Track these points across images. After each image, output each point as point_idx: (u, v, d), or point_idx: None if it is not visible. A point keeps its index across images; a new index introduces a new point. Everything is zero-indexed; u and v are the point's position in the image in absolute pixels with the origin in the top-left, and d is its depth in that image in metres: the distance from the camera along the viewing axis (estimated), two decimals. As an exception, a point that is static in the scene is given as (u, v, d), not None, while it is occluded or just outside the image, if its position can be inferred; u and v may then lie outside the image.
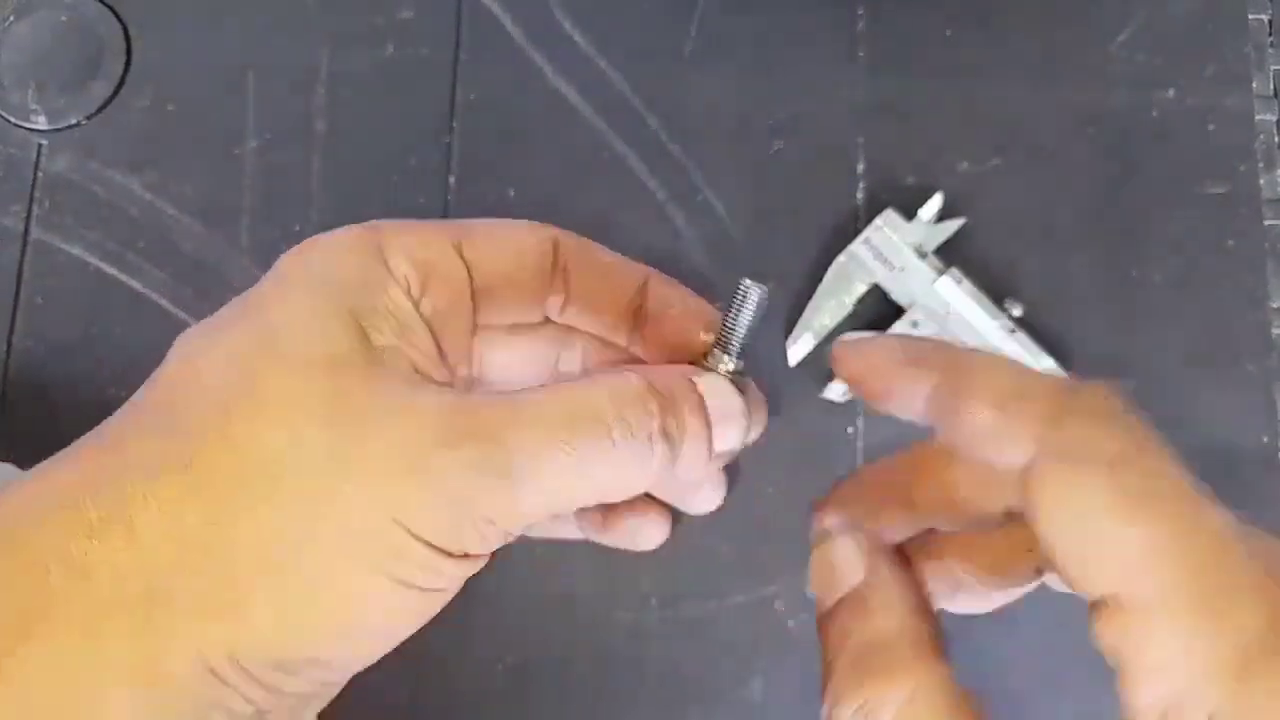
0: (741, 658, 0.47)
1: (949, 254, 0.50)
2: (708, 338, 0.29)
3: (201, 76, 0.53)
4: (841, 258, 0.49)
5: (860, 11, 0.53)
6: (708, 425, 0.26)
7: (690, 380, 0.27)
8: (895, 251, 0.49)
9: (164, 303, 0.50)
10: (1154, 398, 0.49)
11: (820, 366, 0.49)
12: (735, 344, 0.28)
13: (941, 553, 0.27)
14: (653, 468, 0.25)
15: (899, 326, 0.48)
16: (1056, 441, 0.23)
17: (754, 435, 0.28)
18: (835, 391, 0.48)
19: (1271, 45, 0.53)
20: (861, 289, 0.49)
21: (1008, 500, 0.25)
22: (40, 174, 0.52)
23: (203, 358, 0.24)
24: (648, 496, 0.30)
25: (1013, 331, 0.48)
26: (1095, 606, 0.21)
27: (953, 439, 0.24)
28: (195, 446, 0.23)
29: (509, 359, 0.31)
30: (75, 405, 0.49)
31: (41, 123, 0.52)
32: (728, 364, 0.28)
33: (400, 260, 0.26)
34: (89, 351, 0.50)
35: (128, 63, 0.53)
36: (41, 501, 0.23)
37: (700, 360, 0.28)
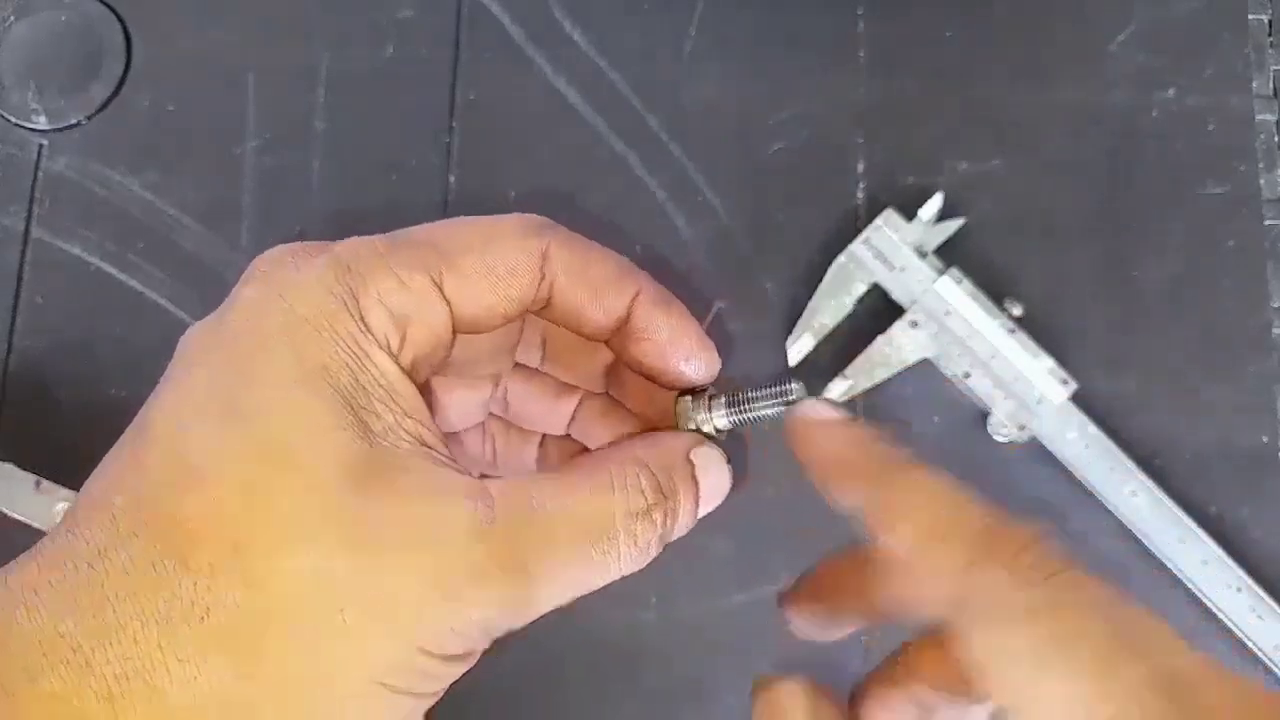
0: (741, 658, 0.47)
1: (949, 254, 0.50)
2: (689, 370, 0.28)
3: (201, 76, 0.53)
4: (841, 258, 0.49)
5: (860, 12, 0.53)
6: (696, 504, 0.27)
7: (690, 462, 0.27)
8: (895, 251, 0.49)
9: (164, 302, 0.50)
10: (1154, 397, 0.49)
11: (820, 366, 0.49)
12: (741, 416, 0.28)
13: (909, 678, 0.27)
14: (644, 563, 0.26)
15: (899, 326, 0.48)
16: (971, 589, 0.23)
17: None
18: (835, 391, 0.48)
19: (1271, 45, 0.53)
20: (861, 289, 0.49)
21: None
22: (40, 174, 0.52)
23: (205, 479, 0.22)
24: None
25: (1012, 331, 0.48)
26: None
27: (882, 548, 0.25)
28: (212, 592, 0.21)
29: (457, 405, 0.31)
30: (75, 405, 0.49)
31: (42, 122, 0.52)
32: (720, 420, 0.28)
33: (378, 314, 0.24)
34: (89, 351, 0.50)
35: (128, 63, 0.53)
36: (45, 655, 0.21)
37: (683, 396, 0.29)
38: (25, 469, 0.46)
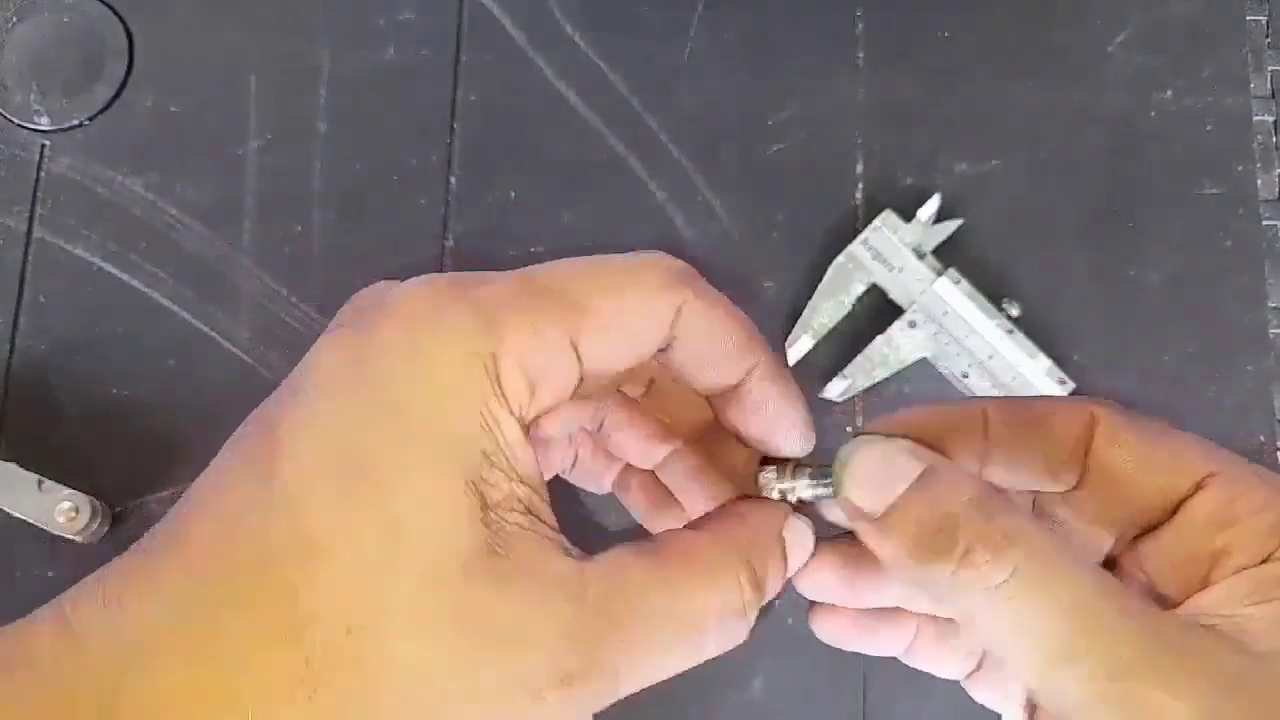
0: (741, 657, 0.47)
1: (947, 254, 0.50)
2: (786, 446, 0.28)
3: (203, 77, 0.53)
4: (840, 258, 0.49)
5: (859, 12, 0.54)
6: (785, 582, 0.27)
7: (781, 540, 0.27)
8: (894, 252, 0.49)
9: (166, 302, 0.50)
10: (1152, 397, 0.49)
11: (819, 366, 0.49)
12: (824, 491, 0.28)
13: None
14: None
15: (897, 326, 0.48)
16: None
17: None
18: (834, 390, 0.48)
19: (1269, 46, 0.53)
20: (860, 289, 0.49)
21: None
22: (43, 174, 0.52)
23: (328, 554, 0.22)
24: None
25: (1010, 331, 0.48)
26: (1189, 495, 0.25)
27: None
28: (321, 672, 0.21)
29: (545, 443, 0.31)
30: (78, 405, 0.49)
31: (44, 123, 0.52)
32: (805, 492, 0.28)
33: (514, 377, 0.24)
34: (91, 351, 0.50)
35: (130, 63, 0.53)
36: (157, 713, 0.21)
37: (767, 462, 0.29)
38: (28, 469, 0.46)
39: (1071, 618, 0.22)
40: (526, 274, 0.25)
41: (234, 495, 0.23)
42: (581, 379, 0.25)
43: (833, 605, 0.30)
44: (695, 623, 0.25)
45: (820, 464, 0.28)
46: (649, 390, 0.32)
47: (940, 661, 0.31)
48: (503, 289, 0.24)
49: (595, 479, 0.34)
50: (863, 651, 0.30)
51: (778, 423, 0.28)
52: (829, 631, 0.30)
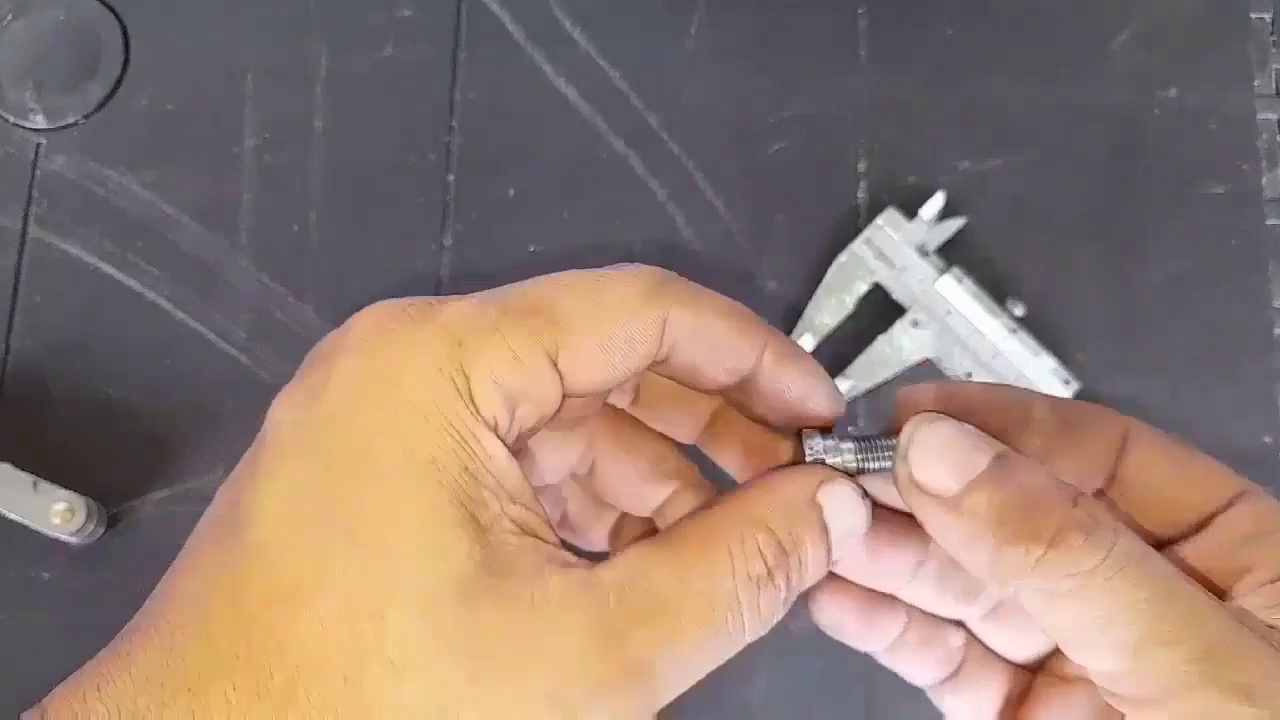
0: (742, 658, 0.47)
1: (950, 253, 0.49)
2: (826, 409, 0.27)
3: (200, 75, 0.53)
4: (842, 257, 0.49)
5: (861, 11, 0.53)
6: (828, 552, 0.25)
7: (816, 505, 0.25)
8: (896, 251, 0.49)
9: (162, 302, 0.50)
10: (1156, 397, 0.49)
11: (821, 365, 0.49)
12: (872, 463, 0.26)
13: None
14: (768, 629, 0.24)
15: (900, 326, 0.48)
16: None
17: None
18: (836, 391, 0.48)
19: (1274, 44, 0.53)
20: (863, 288, 0.49)
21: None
22: (38, 173, 0.52)
23: (309, 597, 0.20)
24: None
25: (1014, 331, 0.48)
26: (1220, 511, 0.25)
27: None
28: None
29: (549, 456, 0.29)
30: (73, 404, 0.49)
31: (40, 122, 0.52)
32: (849, 459, 0.26)
33: (489, 396, 0.22)
34: (87, 351, 0.50)
35: (126, 62, 0.53)
36: None
37: (810, 435, 0.26)
38: (23, 469, 0.46)
39: (1168, 601, 0.22)
40: (496, 293, 0.24)
41: (205, 568, 0.22)
42: (565, 397, 0.24)
43: (842, 584, 0.28)
44: (724, 600, 0.23)
45: (866, 436, 0.26)
46: (637, 398, 0.30)
47: (918, 664, 0.30)
48: (469, 308, 0.23)
49: (585, 533, 0.31)
50: (852, 643, 0.29)
51: (803, 404, 0.26)
52: (832, 614, 0.29)
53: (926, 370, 0.48)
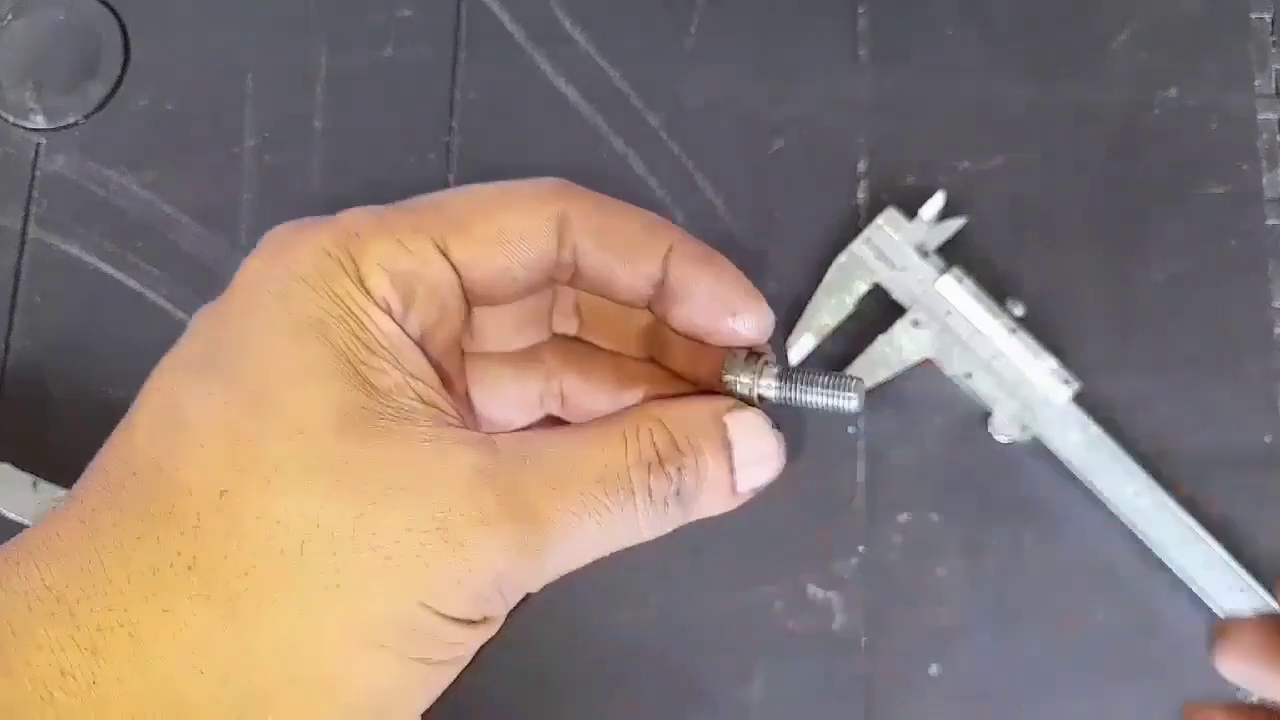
0: (741, 658, 0.47)
1: (950, 253, 0.49)
2: (739, 327, 0.26)
3: (200, 75, 0.53)
4: (842, 257, 0.49)
5: (861, 10, 0.53)
6: (730, 471, 0.25)
7: (721, 423, 0.25)
8: (896, 251, 0.49)
9: (162, 302, 0.50)
10: (1155, 398, 0.49)
11: (818, 365, 0.49)
12: (790, 392, 0.26)
13: None
14: (669, 526, 0.25)
15: (900, 326, 0.48)
16: None
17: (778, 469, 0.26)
18: (836, 391, 0.48)
19: (1274, 44, 0.53)
20: (863, 288, 0.49)
21: None
22: (38, 173, 0.52)
23: (189, 426, 0.22)
24: None
25: (1014, 331, 0.48)
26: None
27: None
28: (198, 542, 0.21)
29: (505, 395, 0.29)
30: (73, 404, 0.49)
31: (40, 122, 0.52)
32: (767, 388, 0.26)
33: (378, 278, 0.24)
34: (87, 351, 0.50)
35: (126, 62, 0.53)
36: (30, 608, 0.20)
37: (733, 360, 0.26)
38: (22, 469, 0.46)
39: None
40: (399, 202, 0.25)
41: (111, 436, 0.24)
42: (466, 290, 0.25)
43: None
44: (614, 470, 0.23)
45: (791, 366, 0.26)
46: (582, 323, 0.30)
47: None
48: (365, 209, 0.25)
49: None
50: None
51: (717, 303, 0.26)
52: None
53: (926, 370, 0.48)
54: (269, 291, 0.23)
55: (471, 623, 0.23)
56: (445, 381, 0.25)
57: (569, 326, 0.30)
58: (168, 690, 0.20)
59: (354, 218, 0.24)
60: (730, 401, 0.26)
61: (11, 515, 0.45)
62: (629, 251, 0.26)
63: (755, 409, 0.26)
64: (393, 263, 0.24)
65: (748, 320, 0.26)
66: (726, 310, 0.26)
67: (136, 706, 0.20)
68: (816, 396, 0.26)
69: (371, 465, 0.21)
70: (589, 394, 0.29)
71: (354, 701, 0.22)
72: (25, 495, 0.45)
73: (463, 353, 0.28)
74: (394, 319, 0.24)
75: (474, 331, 0.28)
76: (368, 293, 0.23)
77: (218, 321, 0.24)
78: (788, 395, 0.26)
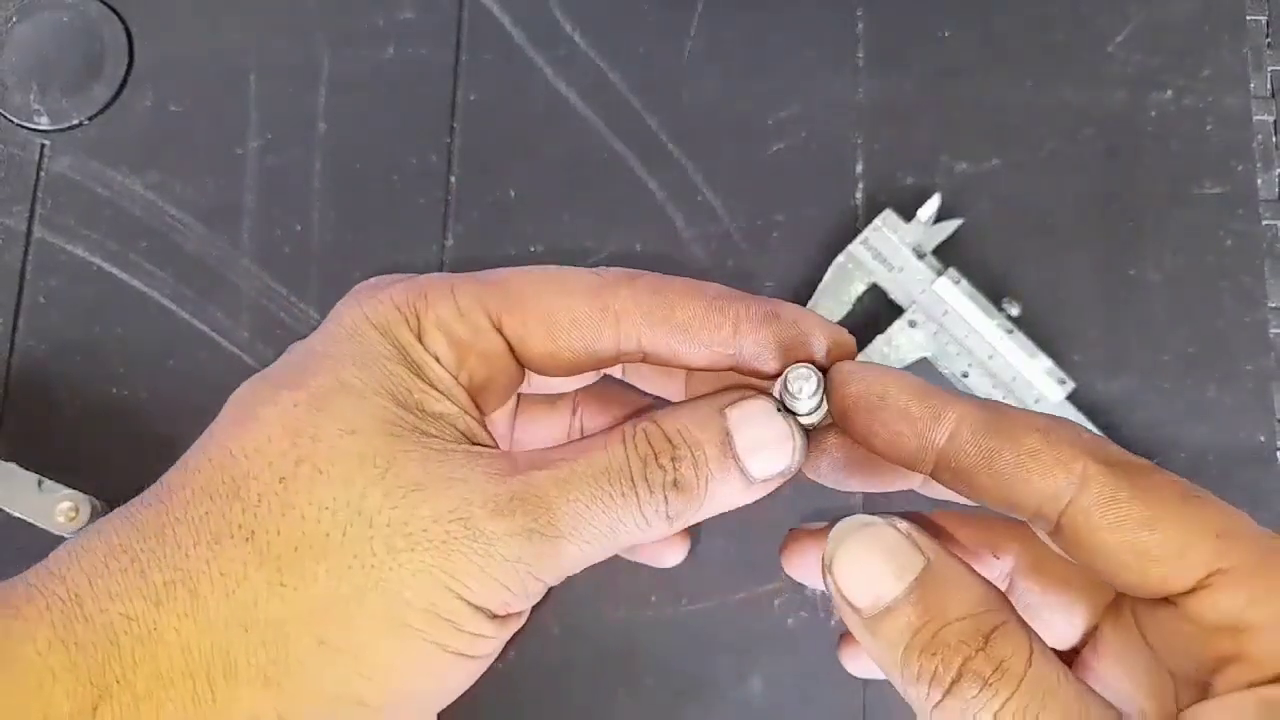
0: (741, 656, 0.47)
1: (947, 254, 0.50)
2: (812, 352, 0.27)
3: (203, 77, 0.53)
4: (840, 258, 0.49)
5: (859, 12, 0.54)
6: (735, 459, 0.26)
7: (720, 414, 0.26)
8: (894, 252, 0.49)
9: (166, 302, 0.50)
10: (1151, 397, 0.49)
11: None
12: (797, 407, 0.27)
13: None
14: (677, 517, 0.26)
15: (897, 326, 0.48)
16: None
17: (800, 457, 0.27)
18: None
19: (1269, 46, 0.53)
20: (860, 289, 0.49)
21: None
22: (43, 174, 0.52)
23: (260, 422, 0.25)
24: None
25: (1010, 331, 0.48)
26: (1192, 591, 0.23)
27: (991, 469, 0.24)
28: (258, 519, 0.24)
29: (539, 428, 0.33)
30: (77, 405, 0.49)
31: (44, 123, 0.52)
32: (809, 403, 0.26)
33: (434, 336, 0.27)
34: (91, 351, 0.50)
35: (130, 63, 0.53)
36: (108, 566, 0.24)
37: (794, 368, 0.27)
38: (27, 469, 0.46)
39: None
40: (478, 272, 0.28)
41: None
42: (521, 361, 0.28)
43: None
44: (615, 464, 0.25)
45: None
46: (625, 369, 0.32)
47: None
48: (441, 275, 0.28)
49: None
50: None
51: (792, 355, 0.27)
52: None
53: (923, 369, 0.49)
54: (345, 329, 0.27)
55: (493, 615, 0.25)
56: (490, 422, 0.28)
57: (613, 371, 0.32)
58: (216, 642, 0.23)
59: (428, 279, 0.28)
60: (731, 394, 0.27)
61: (17, 514, 0.46)
62: (691, 330, 0.27)
63: (764, 397, 0.27)
64: (448, 328, 0.27)
65: (815, 348, 0.27)
66: (805, 352, 0.27)
67: (187, 654, 0.23)
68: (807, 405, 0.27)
69: (408, 466, 0.25)
70: (600, 425, 0.33)
71: (375, 675, 0.24)
72: (30, 494, 0.46)
73: (518, 396, 0.31)
74: (446, 369, 0.27)
75: (531, 379, 0.30)
76: (423, 345, 0.27)
77: (301, 349, 0.27)
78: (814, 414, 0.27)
